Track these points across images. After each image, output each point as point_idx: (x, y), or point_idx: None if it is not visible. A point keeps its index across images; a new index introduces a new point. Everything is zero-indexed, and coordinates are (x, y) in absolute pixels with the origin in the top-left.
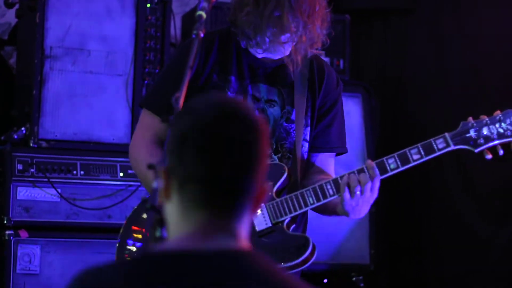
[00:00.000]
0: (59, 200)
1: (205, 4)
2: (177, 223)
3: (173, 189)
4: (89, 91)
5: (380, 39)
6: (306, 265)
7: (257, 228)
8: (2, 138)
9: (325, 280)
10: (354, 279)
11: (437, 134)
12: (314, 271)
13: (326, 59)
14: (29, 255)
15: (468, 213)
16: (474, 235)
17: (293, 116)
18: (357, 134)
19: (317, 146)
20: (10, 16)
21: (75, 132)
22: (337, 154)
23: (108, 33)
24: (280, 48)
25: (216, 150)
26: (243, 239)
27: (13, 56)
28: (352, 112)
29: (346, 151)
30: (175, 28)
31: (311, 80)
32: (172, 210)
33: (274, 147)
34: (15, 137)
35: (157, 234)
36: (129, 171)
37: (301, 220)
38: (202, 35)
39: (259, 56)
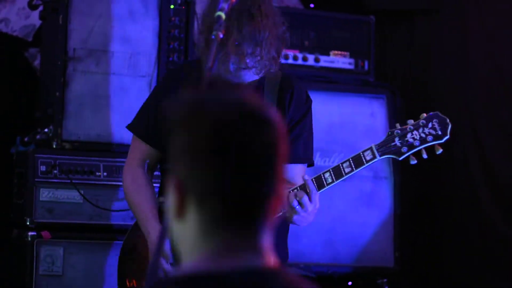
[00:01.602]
0: (82, 201)
1: (224, 5)
2: (196, 242)
3: (190, 205)
4: (112, 92)
5: (405, 40)
6: None
7: None
8: (26, 139)
9: (350, 283)
10: (378, 281)
11: (462, 136)
12: (339, 273)
13: (351, 61)
14: (52, 256)
15: (494, 215)
16: (499, 237)
17: None
18: (381, 137)
19: None
20: (34, 18)
21: (98, 133)
22: (308, 165)
23: (131, 35)
24: (247, 72)
25: (238, 159)
26: (268, 255)
27: (37, 58)
28: (377, 113)
29: (311, 163)
30: (199, 29)
31: (280, 97)
32: (187, 229)
33: None
34: (38, 138)
35: None
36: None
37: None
38: (221, 36)
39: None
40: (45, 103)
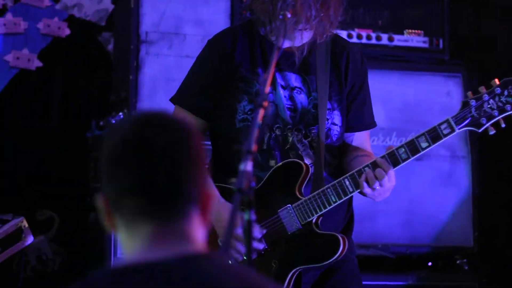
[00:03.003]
0: None
1: None
2: (126, 240)
3: (112, 212)
4: (185, 75)
5: (480, 16)
6: (341, 257)
7: (288, 231)
8: (101, 123)
9: (430, 263)
10: (458, 262)
11: None
12: (418, 254)
13: (425, 39)
14: None
15: None
16: None
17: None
18: None
19: (352, 126)
20: (107, 3)
21: None
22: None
23: (203, 17)
24: (296, 35)
25: (142, 158)
26: (200, 243)
27: (111, 42)
28: (453, 92)
29: (376, 126)
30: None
31: (335, 64)
32: (119, 230)
33: (304, 132)
34: (113, 122)
35: (246, 216)
36: None
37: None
38: (289, 15)
39: (282, 46)
40: (119, 86)
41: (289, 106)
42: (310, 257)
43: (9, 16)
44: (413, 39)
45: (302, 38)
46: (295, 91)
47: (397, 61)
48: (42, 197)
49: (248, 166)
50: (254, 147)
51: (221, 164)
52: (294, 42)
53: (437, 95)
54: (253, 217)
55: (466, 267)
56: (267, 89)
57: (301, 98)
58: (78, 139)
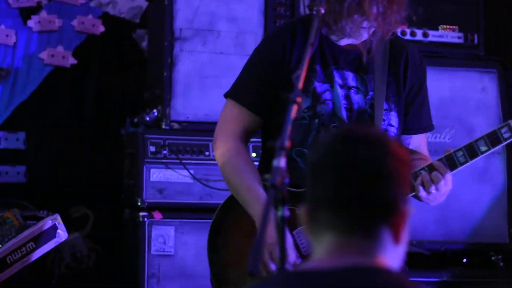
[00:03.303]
0: (192, 181)
1: None
2: (315, 245)
3: (308, 218)
4: (220, 72)
5: None
6: None
7: None
8: (135, 120)
9: (464, 260)
10: (493, 258)
11: None
12: (452, 250)
13: (460, 35)
14: (163, 236)
15: None
16: None
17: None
18: (493, 112)
19: (410, 128)
20: (141, 0)
21: (207, 113)
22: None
23: (237, 13)
24: (362, 33)
25: (341, 173)
26: (381, 261)
27: (145, 39)
28: (488, 88)
29: (433, 128)
30: (304, 6)
31: (393, 63)
32: (310, 234)
33: None
34: (148, 119)
35: (279, 213)
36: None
37: None
38: (323, 11)
39: (342, 44)
40: (153, 84)
41: (346, 105)
42: None
43: (43, 13)
44: (448, 34)
45: (364, 36)
46: (352, 90)
47: (431, 57)
48: (77, 194)
49: (281, 162)
50: (287, 144)
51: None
52: (356, 40)
53: (472, 91)
54: (287, 213)
55: (501, 264)
56: (301, 85)
57: (358, 98)
58: (112, 136)
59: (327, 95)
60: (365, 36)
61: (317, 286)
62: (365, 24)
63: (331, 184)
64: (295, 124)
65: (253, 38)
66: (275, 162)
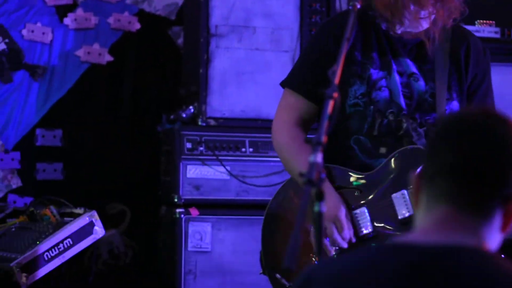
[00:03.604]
0: (228, 177)
1: None
2: (422, 215)
3: (422, 186)
4: (256, 68)
5: None
6: None
7: (399, 216)
8: (171, 117)
9: None
10: None
11: None
12: None
13: (497, 29)
14: (200, 233)
15: None
16: None
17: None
18: None
19: None
20: None
21: (243, 109)
22: None
23: (273, 9)
24: (421, 23)
25: (469, 141)
26: (486, 241)
27: (181, 36)
28: None
29: None
30: (340, 2)
31: (455, 53)
32: (420, 203)
33: (419, 121)
34: (184, 116)
35: (316, 208)
36: None
37: None
38: (358, 6)
39: (400, 32)
40: (189, 80)
41: (405, 93)
42: None
43: (79, 11)
44: (484, 29)
45: (424, 25)
46: (412, 78)
47: None
48: (114, 191)
49: (318, 157)
50: (324, 139)
51: (328, 150)
52: (413, 29)
53: (509, 86)
54: (323, 209)
55: None
56: (337, 80)
57: (418, 85)
58: (148, 133)
59: (383, 82)
60: (425, 25)
61: (420, 261)
62: (422, 13)
63: (459, 151)
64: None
65: (289, 34)
66: (311, 158)
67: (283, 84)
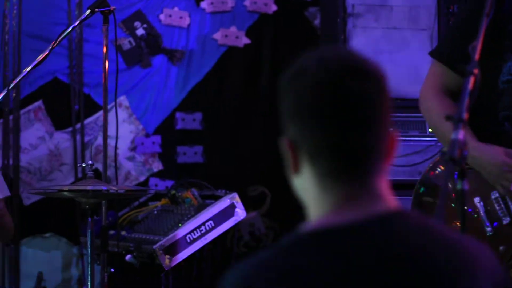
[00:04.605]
0: None
1: None
2: (315, 198)
3: (303, 162)
4: (393, 47)
5: None
6: None
7: None
8: None
9: None
10: None
11: None
12: None
13: None
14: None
15: None
16: None
17: None
18: None
19: None
20: None
21: None
22: None
23: None
24: None
25: (344, 113)
26: (389, 199)
27: (317, 17)
28: None
29: None
30: None
31: None
32: (305, 184)
33: None
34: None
35: (459, 186)
36: None
37: None
38: None
39: None
40: None
41: None
42: None
43: None
44: None
45: None
46: None
47: None
48: (254, 172)
49: (460, 134)
50: (465, 116)
51: (475, 126)
52: None
53: None
54: (466, 187)
55: None
56: (477, 56)
57: None
58: None
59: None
60: None
61: (339, 246)
62: None
63: (336, 128)
64: (506, 88)
65: (426, 11)
66: (453, 135)
67: (431, 54)
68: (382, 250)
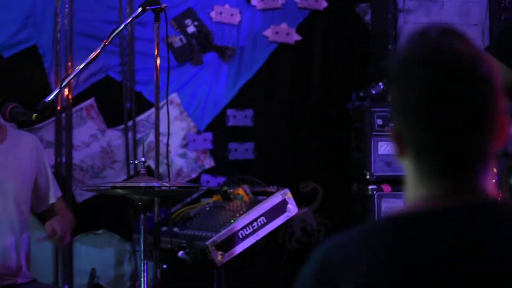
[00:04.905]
0: None
1: None
2: (414, 187)
3: (407, 154)
4: None
5: None
6: None
7: None
8: (361, 94)
9: None
10: None
11: None
12: None
13: None
14: (393, 209)
15: None
16: None
17: None
18: None
19: None
20: None
21: None
22: None
23: None
24: None
25: (451, 119)
26: (488, 192)
27: (368, 12)
28: None
29: None
30: None
31: None
32: (407, 170)
33: None
34: (373, 92)
35: (511, 181)
36: None
37: None
38: None
39: None
40: (377, 57)
41: None
42: None
43: None
44: None
45: None
46: None
47: None
48: (305, 169)
49: None
50: None
51: None
52: None
53: None
54: None
55: None
56: None
57: None
58: (338, 110)
59: None
60: None
61: (429, 229)
62: None
63: (441, 131)
64: None
65: (478, 6)
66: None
67: (486, 49)
68: (465, 236)
